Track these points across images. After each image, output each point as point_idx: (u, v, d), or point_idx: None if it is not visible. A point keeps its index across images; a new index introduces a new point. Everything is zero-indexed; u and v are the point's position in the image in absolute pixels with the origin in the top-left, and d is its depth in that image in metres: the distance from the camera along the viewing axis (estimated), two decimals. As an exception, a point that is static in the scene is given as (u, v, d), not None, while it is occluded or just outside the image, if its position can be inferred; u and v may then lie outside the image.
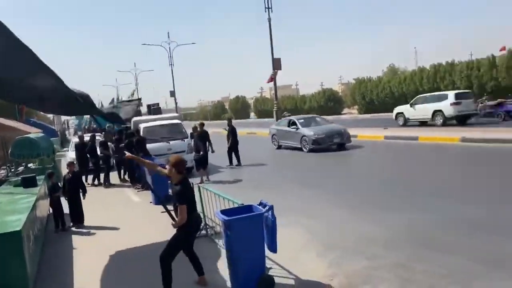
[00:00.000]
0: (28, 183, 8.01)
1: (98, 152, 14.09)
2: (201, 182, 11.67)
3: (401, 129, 21.34)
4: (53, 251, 7.01)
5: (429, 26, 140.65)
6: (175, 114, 16.93)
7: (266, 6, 29.37)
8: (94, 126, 43.67)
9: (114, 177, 13.99)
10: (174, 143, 14.05)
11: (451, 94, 21.42)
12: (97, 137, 15.84)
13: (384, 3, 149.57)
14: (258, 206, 4.97)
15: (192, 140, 13.82)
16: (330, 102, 51.76)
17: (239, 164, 14.80)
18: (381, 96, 41.00)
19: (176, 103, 54.84)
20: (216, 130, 26.12)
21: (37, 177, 8.64)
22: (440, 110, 21.17)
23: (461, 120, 21.23)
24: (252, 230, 4.70)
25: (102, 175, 13.66)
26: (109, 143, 14.76)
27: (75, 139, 16.93)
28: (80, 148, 13.93)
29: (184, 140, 14.34)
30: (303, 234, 6.54)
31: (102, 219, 8.76)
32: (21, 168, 12.92)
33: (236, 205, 5.32)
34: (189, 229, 4.73)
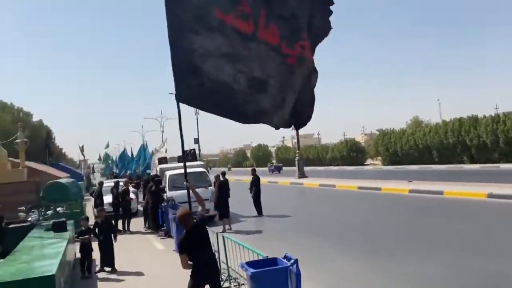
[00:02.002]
0: (59, 228, 8.31)
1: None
2: (223, 231, 11.74)
3: (426, 183, 21.08)
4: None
5: (453, 77, 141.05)
6: (200, 162, 17.29)
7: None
8: (116, 171, 44.72)
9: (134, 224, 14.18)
10: (198, 191, 14.25)
11: None
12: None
13: (403, 56, 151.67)
14: (283, 260, 5.04)
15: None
16: (353, 153, 51.73)
17: (259, 214, 14.80)
18: (405, 148, 40.85)
19: (199, 150, 55.79)
20: (238, 178, 26.38)
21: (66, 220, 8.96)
22: None
23: None
24: (277, 284, 4.75)
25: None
26: (131, 189, 15.14)
27: (108, 183, 17.39)
28: (115, 193, 14.23)
29: (208, 188, 14.56)
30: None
31: (126, 265, 8.89)
32: (50, 212, 13.31)
33: (260, 257, 5.40)
34: (195, 274, 4.90)
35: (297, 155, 31.92)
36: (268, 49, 4.35)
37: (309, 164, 51.47)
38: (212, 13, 4.35)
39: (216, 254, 7.21)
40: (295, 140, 33.65)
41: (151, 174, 19.85)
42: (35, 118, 49.98)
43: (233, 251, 6.70)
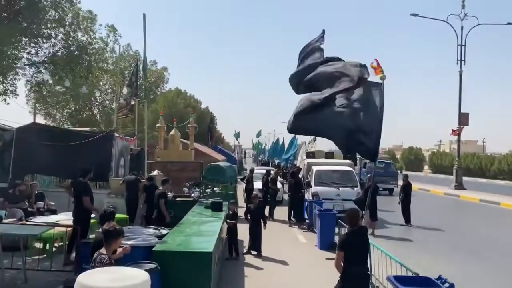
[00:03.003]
0: (217, 207, 9.17)
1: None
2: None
3: None
4: (228, 276, 7.78)
5: None
6: (349, 161, 17.03)
7: (459, 58, 27.52)
8: (265, 159, 46.84)
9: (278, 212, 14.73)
10: (343, 189, 14.15)
11: None
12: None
13: None
14: (435, 281, 4.67)
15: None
16: (525, 167, 44.59)
17: (408, 223, 13.89)
18: None
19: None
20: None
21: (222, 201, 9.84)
22: None
23: None
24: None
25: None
26: (279, 179, 15.72)
27: (258, 170, 18.48)
28: (265, 180, 15.08)
29: (354, 189, 14.30)
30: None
31: (270, 252, 9.34)
32: (208, 190, 14.78)
33: (410, 273, 5.10)
34: (342, 282, 4.72)
35: (456, 163, 28.89)
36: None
37: (469, 174, 46.12)
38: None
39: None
40: (454, 146, 30.47)
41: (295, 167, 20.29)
42: (202, 106, 55.88)
43: (378, 259, 6.48)
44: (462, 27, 27.61)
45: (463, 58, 27.49)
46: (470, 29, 27.89)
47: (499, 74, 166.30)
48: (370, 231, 12.11)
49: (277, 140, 44.50)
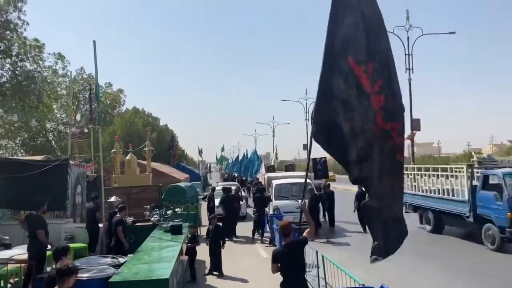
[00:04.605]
0: (176, 230, 9.24)
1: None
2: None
3: None
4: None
5: None
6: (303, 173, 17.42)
7: (407, 67, 28.87)
8: (234, 174, 46.90)
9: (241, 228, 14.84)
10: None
11: None
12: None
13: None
14: (379, 290, 4.97)
15: None
16: (477, 166, 46.79)
17: (364, 230, 14.36)
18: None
19: (309, 157, 56.00)
20: (348, 188, 25.88)
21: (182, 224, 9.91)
22: None
23: None
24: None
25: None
26: (243, 194, 15.91)
27: (219, 187, 18.48)
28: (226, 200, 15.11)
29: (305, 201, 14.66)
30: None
31: (232, 270, 9.48)
32: (169, 212, 14.73)
33: (357, 284, 5.40)
34: None
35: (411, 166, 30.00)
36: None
37: (426, 175, 48.12)
38: (347, 59, 4.67)
39: (315, 271, 7.38)
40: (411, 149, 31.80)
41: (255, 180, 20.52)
42: (161, 123, 55.45)
43: (331, 271, 6.75)
44: (408, 38, 29.03)
45: (411, 67, 28.88)
46: (415, 39, 29.33)
47: (447, 79, 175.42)
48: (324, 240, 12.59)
49: (244, 156, 44.28)
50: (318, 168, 15.48)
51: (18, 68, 21.58)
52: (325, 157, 15.52)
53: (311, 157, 16.17)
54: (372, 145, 4.46)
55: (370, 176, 4.55)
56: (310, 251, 7.48)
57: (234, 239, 13.87)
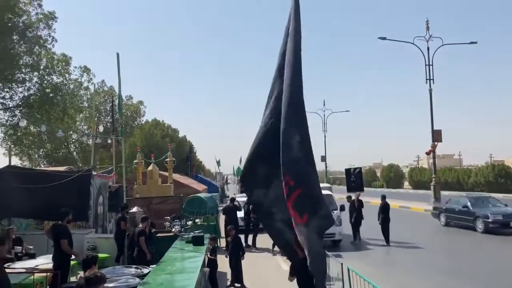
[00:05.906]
0: (198, 241, 9.20)
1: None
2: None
3: None
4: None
5: None
6: (327, 185, 17.28)
7: (427, 78, 28.55)
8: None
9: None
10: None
11: None
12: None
13: None
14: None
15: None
16: (501, 178, 45.71)
17: (387, 243, 14.13)
18: None
19: (326, 168, 55.67)
20: (367, 200, 25.50)
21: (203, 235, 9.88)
22: None
23: None
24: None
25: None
26: None
27: (240, 198, 18.40)
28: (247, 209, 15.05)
29: (334, 212, 14.47)
30: None
31: (254, 282, 9.37)
32: (189, 223, 14.75)
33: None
34: None
35: (433, 179, 29.47)
36: None
37: (447, 188, 47.09)
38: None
39: (339, 284, 7.24)
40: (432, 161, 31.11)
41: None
42: (180, 134, 55.98)
43: (357, 284, 6.60)
44: (428, 48, 28.78)
45: (431, 78, 28.55)
46: (436, 49, 29.04)
47: (469, 90, 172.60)
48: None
49: None
50: (352, 180, 14.40)
51: (45, 81, 22.18)
52: (360, 168, 15.00)
53: (345, 168, 15.74)
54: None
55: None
56: (335, 264, 7.36)
57: (253, 250, 13.82)
